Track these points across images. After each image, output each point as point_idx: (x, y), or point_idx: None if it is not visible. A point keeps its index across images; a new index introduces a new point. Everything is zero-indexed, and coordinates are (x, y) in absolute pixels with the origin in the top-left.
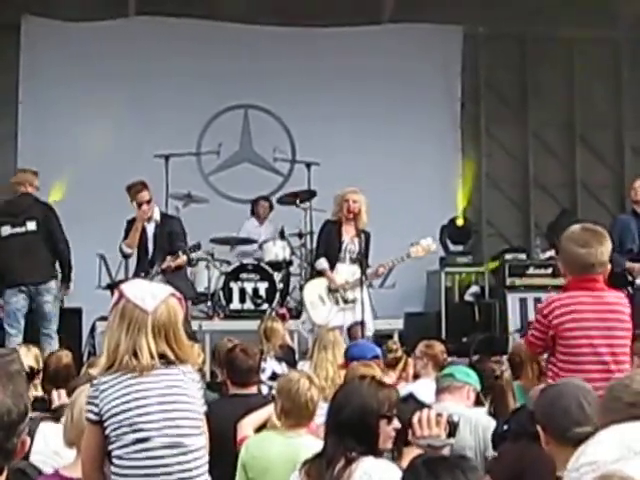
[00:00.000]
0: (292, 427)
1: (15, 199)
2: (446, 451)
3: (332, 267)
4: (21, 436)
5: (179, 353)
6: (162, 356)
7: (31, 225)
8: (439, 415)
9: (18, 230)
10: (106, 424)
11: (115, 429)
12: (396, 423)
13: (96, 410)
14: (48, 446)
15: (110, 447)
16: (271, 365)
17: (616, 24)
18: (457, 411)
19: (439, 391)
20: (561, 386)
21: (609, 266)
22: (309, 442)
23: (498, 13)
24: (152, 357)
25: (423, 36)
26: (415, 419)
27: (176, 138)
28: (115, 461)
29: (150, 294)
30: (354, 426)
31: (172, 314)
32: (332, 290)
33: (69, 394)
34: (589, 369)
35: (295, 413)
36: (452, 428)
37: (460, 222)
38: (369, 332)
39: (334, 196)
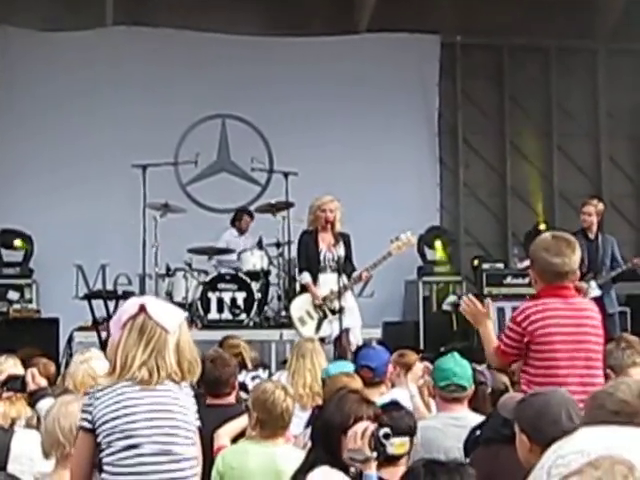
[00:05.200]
0: (268, 437)
1: None
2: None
3: (314, 278)
4: None
5: (186, 375)
6: (170, 375)
7: None
8: (367, 429)
9: None
10: (98, 431)
11: (106, 436)
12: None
13: (89, 418)
14: (24, 454)
15: (101, 455)
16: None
17: (593, 34)
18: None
19: (446, 401)
20: (548, 396)
21: (578, 273)
22: (287, 452)
23: (475, 22)
24: (165, 375)
25: (400, 45)
26: (350, 432)
27: (153, 148)
28: (105, 468)
29: (170, 314)
30: (320, 438)
31: (188, 337)
32: (318, 304)
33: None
34: (564, 374)
35: (271, 424)
36: (377, 442)
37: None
38: (353, 338)
39: (309, 206)
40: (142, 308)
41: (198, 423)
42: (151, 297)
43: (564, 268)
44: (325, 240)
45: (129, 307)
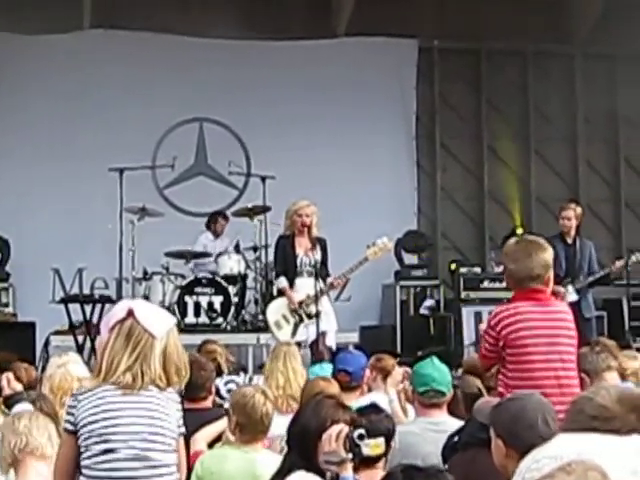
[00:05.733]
0: (247, 442)
1: None
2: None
3: (291, 283)
4: None
5: (172, 381)
6: (155, 381)
7: None
8: (342, 431)
9: None
10: (79, 434)
11: (85, 439)
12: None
13: (72, 420)
14: None
15: (80, 457)
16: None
17: (570, 38)
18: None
19: (425, 406)
20: (524, 401)
21: (551, 273)
22: (266, 457)
23: (453, 27)
24: (150, 381)
25: (378, 49)
26: (324, 435)
27: (131, 151)
28: (83, 471)
29: (159, 319)
30: (296, 443)
31: (178, 343)
32: (294, 308)
33: None
34: (539, 376)
35: (250, 428)
36: (352, 444)
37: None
38: (330, 342)
39: (286, 210)
40: (130, 312)
41: (182, 430)
42: (141, 301)
43: (534, 271)
44: (302, 245)
45: (118, 311)
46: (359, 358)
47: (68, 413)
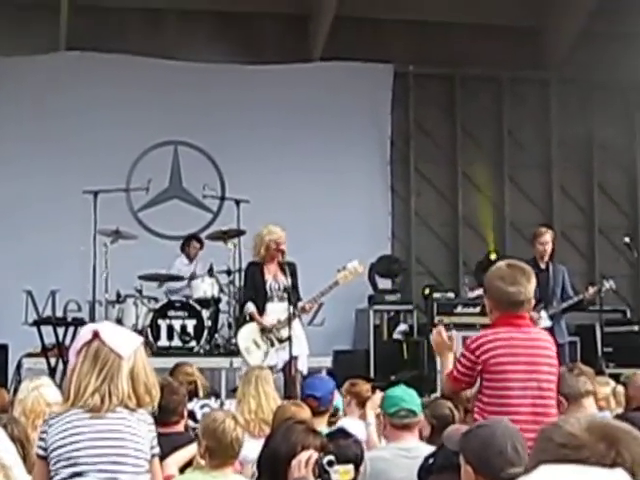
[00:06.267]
0: (217, 467)
1: None
2: None
3: (262, 309)
4: None
5: (143, 401)
6: (125, 402)
7: None
8: (311, 457)
9: None
10: (49, 458)
11: (55, 463)
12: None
13: (43, 445)
14: None
15: None
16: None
17: (544, 65)
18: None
19: (397, 428)
20: (493, 427)
21: (533, 302)
22: None
23: (428, 52)
24: (118, 401)
25: (353, 74)
26: (294, 461)
27: (105, 174)
28: None
29: (125, 339)
30: (267, 468)
31: (145, 361)
32: (265, 332)
33: None
34: (516, 403)
35: (220, 453)
36: (321, 470)
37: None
38: (301, 365)
39: (256, 235)
40: (96, 334)
41: (156, 451)
42: (107, 323)
43: (519, 297)
44: (271, 270)
45: (84, 334)
46: (327, 383)
47: (40, 439)
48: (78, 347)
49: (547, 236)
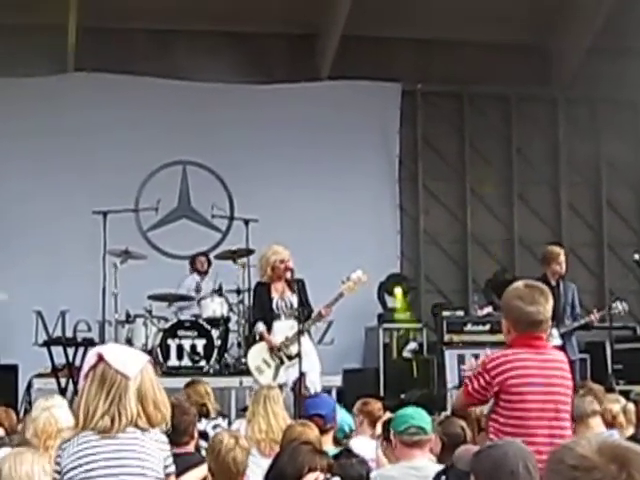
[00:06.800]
0: None
1: None
2: None
3: (269, 327)
4: None
5: (153, 420)
6: (135, 421)
7: None
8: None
9: None
10: None
11: None
12: None
13: (58, 469)
14: None
15: None
16: (204, 426)
17: (552, 83)
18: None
19: (407, 446)
20: (505, 447)
21: (550, 322)
22: None
23: (436, 70)
24: (128, 422)
25: (361, 93)
26: None
27: (114, 194)
28: None
29: (130, 359)
30: None
31: (152, 380)
32: (274, 351)
33: None
34: (534, 425)
35: (221, 474)
36: None
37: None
38: (310, 384)
39: (262, 255)
40: (101, 357)
41: (170, 470)
42: (112, 345)
43: (538, 317)
44: (277, 289)
45: (90, 358)
46: (328, 400)
47: (55, 463)
48: (85, 371)
49: (562, 255)
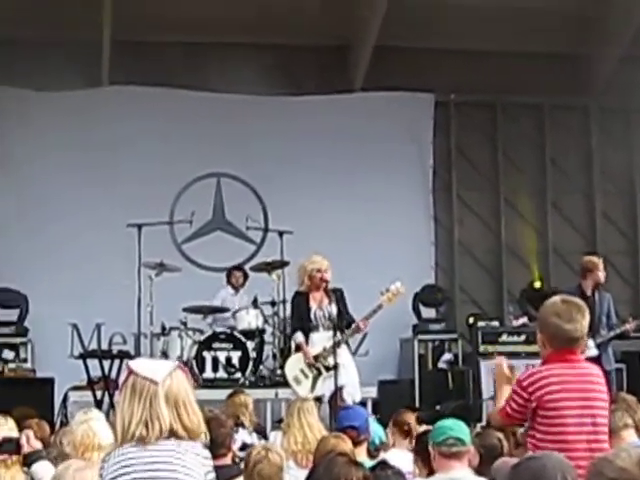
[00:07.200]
0: None
1: None
2: None
3: (307, 338)
4: None
5: (188, 425)
6: (171, 428)
7: None
8: None
9: None
10: None
11: None
12: None
13: None
14: None
15: None
16: (242, 436)
17: (585, 91)
18: None
19: (445, 457)
20: (544, 460)
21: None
22: None
23: (469, 80)
24: (163, 427)
25: (395, 103)
26: None
27: (149, 207)
28: None
29: (157, 366)
30: None
31: (181, 384)
32: (311, 362)
33: None
34: (573, 439)
35: None
36: None
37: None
38: (348, 396)
39: (300, 266)
40: (130, 371)
41: (209, 477)
42: (140, 358)
43: (576, 334)
44: (316, 299)
45: (122, 375)
46: (361, 411)
47: (99, 475)
48: (120, 388)
49: (601, 264)
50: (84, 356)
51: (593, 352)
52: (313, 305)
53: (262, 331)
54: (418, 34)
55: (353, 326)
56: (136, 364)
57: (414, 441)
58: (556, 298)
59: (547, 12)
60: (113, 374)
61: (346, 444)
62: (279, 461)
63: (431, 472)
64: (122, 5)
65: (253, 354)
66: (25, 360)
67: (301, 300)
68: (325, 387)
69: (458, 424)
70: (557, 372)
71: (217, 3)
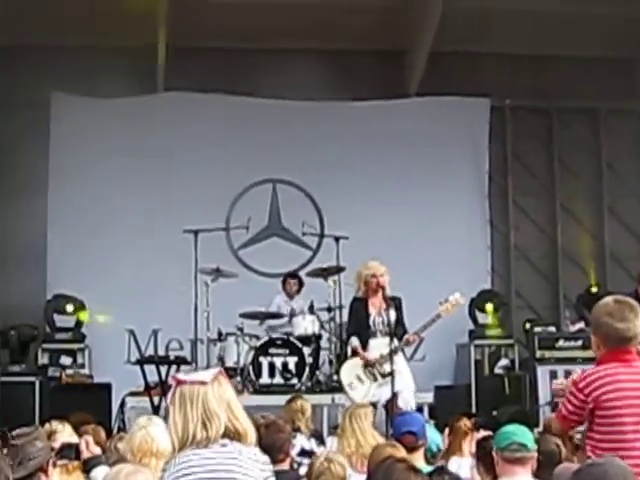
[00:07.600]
0: None
1: None
2: None
3: (365, 344)
4: None
5: (240, 428)
6: (226, 429)
7: None
8: None
9: None
10: None
11: None
12: None
13: None
14: None
15: None
16: (300, 441)
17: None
18: None
19: (509, 462)
20: (606, 465)
21: None
22: None
23: (524, 85)
24: (220, 426)
25: (450, 109)
26: None
27: (205, 213)
28: None
29: (202, 373)
30: None
31: (228, 387)
32: (368, 367)
33: None
34: (631, 438)
35: None
36: None
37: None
38: (403, 403)
39: (357, 272)
40: (177, 381)
41: None
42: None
43: (628, 333)
44: (375, 305)
45: (171, 389)
46: (417, 417)
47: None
48: (170, 402)
49: None
50: (141, 362)
51: None
52: (372, 311)
53: (318, 337)
54: (473, 39)
55: (404, 339)
56: (180, 375)
57: (474, 447)
58: (608, 298)
59: (601, 16)
60: (170, 380)
61: (400, 453)
62: (342, 472)
63: (494, 478)
64: (178, 11)
65: (309, 360)
66: (82, 366)
67: (360, 306)
68: (380, 393)
69: (522, 429)
70: (612, 372)
71: (274, 9)
